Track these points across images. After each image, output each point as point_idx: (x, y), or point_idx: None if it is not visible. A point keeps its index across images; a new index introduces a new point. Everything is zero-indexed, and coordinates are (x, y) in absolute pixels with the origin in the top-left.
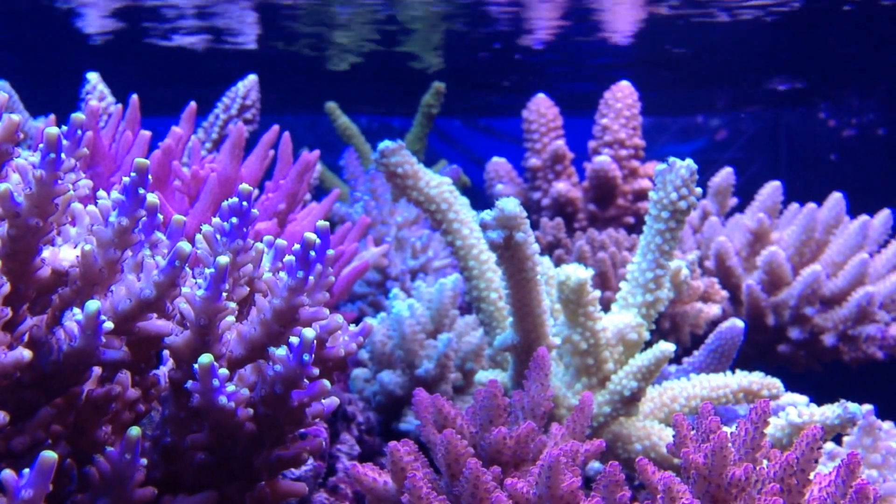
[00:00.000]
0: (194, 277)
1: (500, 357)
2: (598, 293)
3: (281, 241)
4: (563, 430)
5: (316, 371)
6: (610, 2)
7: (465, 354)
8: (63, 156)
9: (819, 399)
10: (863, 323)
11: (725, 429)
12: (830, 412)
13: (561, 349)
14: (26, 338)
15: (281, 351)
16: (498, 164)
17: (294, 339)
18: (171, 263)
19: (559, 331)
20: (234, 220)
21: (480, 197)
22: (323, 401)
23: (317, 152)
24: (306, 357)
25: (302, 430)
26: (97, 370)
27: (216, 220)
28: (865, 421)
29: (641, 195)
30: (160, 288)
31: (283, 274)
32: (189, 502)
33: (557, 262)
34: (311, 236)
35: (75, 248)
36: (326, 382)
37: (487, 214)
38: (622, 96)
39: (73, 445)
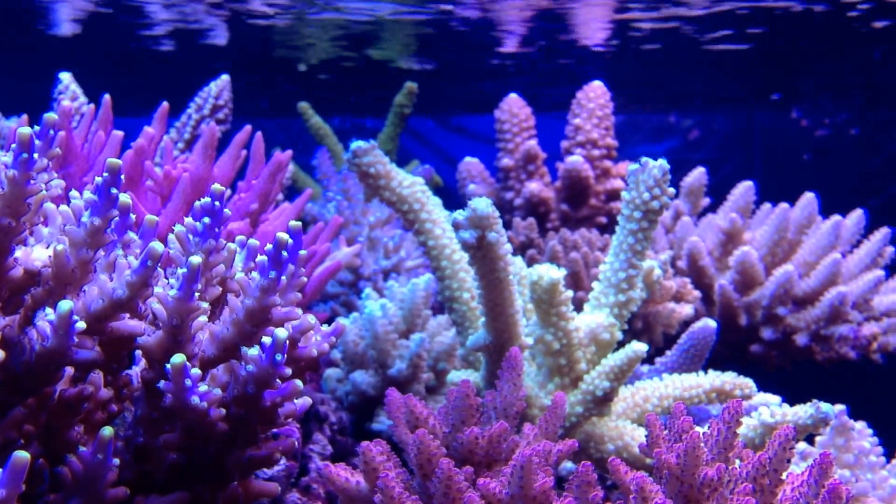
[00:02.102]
0: (167, 277)
1: (473, 357)
2: (570, 293)
3: (253, 241)
4: (536, 430)
5: (288, 371)
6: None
7: (438, 354)
8: (36, 156)
9: (791, 399)
10: (835, 323)
11: (698, 429)
12: (803, 412)
13: (533, 349)
14: None
15: (253, 351)
16: (470, 164)
17: (266, 339)
18: (143, 263)
19: (532, 331)
20: (207, 219)
21: (453, 197)
22: (295, 401)
23: (289, 152)
24: (279, 357)
25: (274, 430)
26: (70, 370)
27: (188, 220)
28: (838, 421)
29: (614, 195)
30: (133, 288)
31: (255, 274)
32: (161, 502)
33: (530, 262)
34: (284, 236)
35: (48, 248)
36: (299, 382)
37: (460, 214)
38: (594, 96)
39: (45, 445)
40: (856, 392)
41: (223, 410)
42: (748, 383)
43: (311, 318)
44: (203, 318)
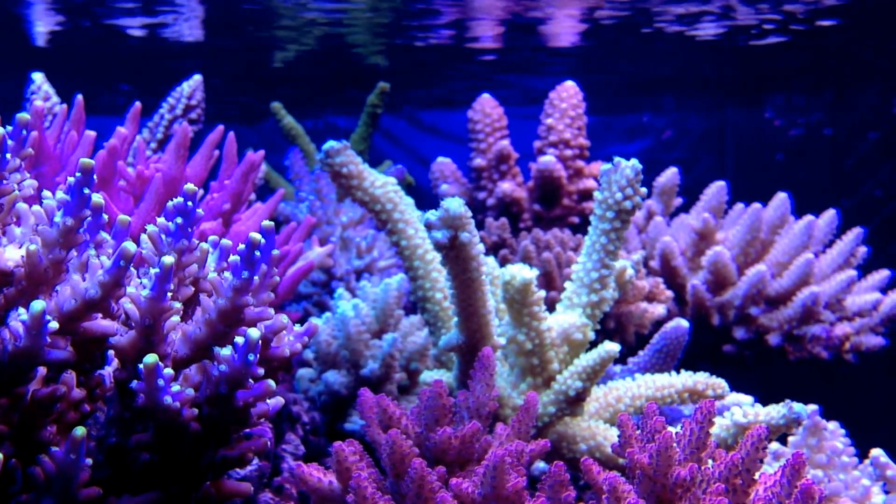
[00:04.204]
0: (139, 277)
1: (446, 357)
2: (542, 293)
3: (226, 241)
4: (509, 430)
5: (261, 371)
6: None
7: (411, 354)
8: (8, 156)
9: (764, 399)
10: (808, 323)
11: (670, 429)
12: (775, 412)
13: (506, 349)
14: None
15: (226, 351)
16: (443, 164)
17: (239, 339)
18: (116, 263)
19: (504, 331)
20: (179, 219)
21: (426, 197)
22: (268, 401)
23: (261, 152)
24: (251, 357)
25: (247, 430)
26: (42, 370)
27: (161, 219)
28: (810, 421)
29: (587, 195)
30: (105, 288)
31: (228, 274)
32: (134, 502)
33: (502, 262)
34: (256, 236)
35: (20, 248)
36: (271, 382)
37: (432, 214)
38: (567, 96)
39: (17, 445)
40: (828, 392)
41: (196, 410)
42: (721, 383)
43: (283, 318)
44: (176, 318)
